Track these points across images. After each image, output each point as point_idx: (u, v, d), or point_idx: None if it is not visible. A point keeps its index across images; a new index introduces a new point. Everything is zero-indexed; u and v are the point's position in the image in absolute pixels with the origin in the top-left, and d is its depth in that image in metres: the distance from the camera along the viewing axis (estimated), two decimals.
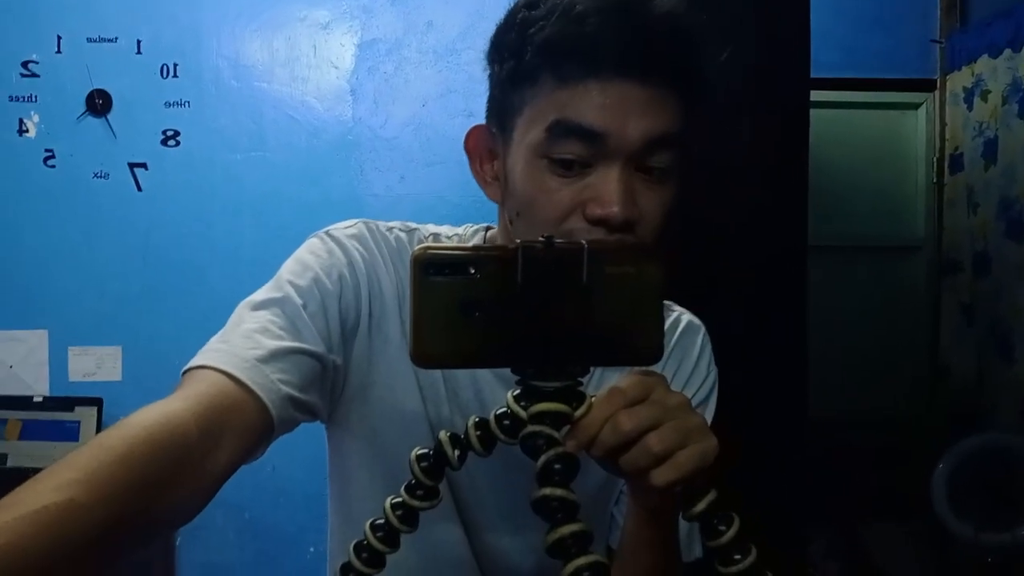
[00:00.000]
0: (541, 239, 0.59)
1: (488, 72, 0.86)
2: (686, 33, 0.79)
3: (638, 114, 0.76)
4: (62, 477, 0.55)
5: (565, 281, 0.59)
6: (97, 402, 2.52)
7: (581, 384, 0.63)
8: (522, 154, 0.80)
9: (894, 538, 2.64)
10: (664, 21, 0.77)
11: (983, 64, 2.80)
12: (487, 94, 0.87)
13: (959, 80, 2.96)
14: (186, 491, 0.64)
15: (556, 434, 0.61)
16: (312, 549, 2.62)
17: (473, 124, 0.90)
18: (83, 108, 2.66)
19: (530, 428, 0.62)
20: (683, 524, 0.81)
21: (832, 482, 2.59)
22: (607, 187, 0.76)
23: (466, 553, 0.92)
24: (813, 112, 2.07)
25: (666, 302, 0.98)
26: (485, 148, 0.87)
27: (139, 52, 2.68)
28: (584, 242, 0.59)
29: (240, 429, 0.70)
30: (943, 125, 3.05)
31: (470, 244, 0.94)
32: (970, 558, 2.38)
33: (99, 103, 2.65)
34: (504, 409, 0.63)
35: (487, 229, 0.95)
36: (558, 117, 0.76)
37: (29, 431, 2.51)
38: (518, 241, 0.59)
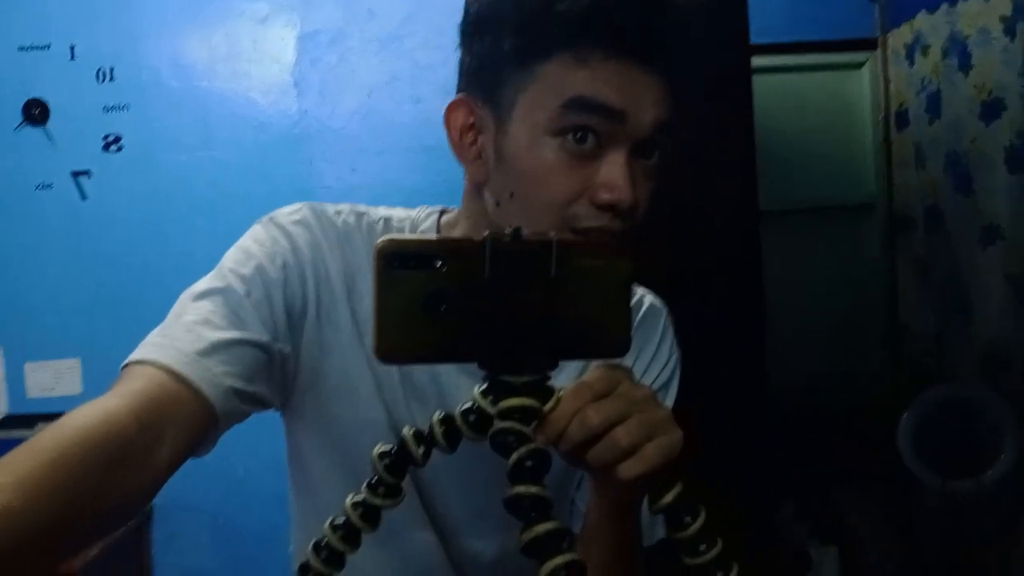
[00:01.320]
0: (508, 230, 0.58)
1: (465, 44, 0.84)
2: (691, 25, 0.80)
3: (652, 99, 0.77)
4: None
5: (533, 274, 0.58)
6: (59, 417, 2.47)
7: (549, 378, 0.63)
8: (525, 132, 0.78)
9: (862, 496, 2.68)
10: (679, 11, 0.78)
11: (922, 20, 2.82)
12: (461, 70, 0.85)
13: (900, 37, 2.98)
14: (125, 489, 0.63)
15: (527, 430, 0.61)
16: (289, 548, 2.59)
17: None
18: (20, 118, 2.59)
19: (499, 425, 0.61)
20: (644, 509, 0.81)
21: (797, 445, 2.62)
22: (617, 173, 0.76)
23: (442, 559, 0.92)
24: (756, 78, 2.07)
25: None
26: (467, 123, 0.84)
27: (73, 58, 2.62)
28: (553, 235, 0.59)
29: (182, 424, 0.69)
30: (887, 83, 3.08)
31: (423, 227, 0.92)
32: (939, 507, 2.42)
33: (36, 112, 2.59)
34: (470, 404, 0.62)
35: (442, 212, 0.94)
36: (578, 93, 0.75)
37: None
38: (485, 233, 0.57)
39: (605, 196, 0.76)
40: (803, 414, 2.76)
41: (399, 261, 0.56)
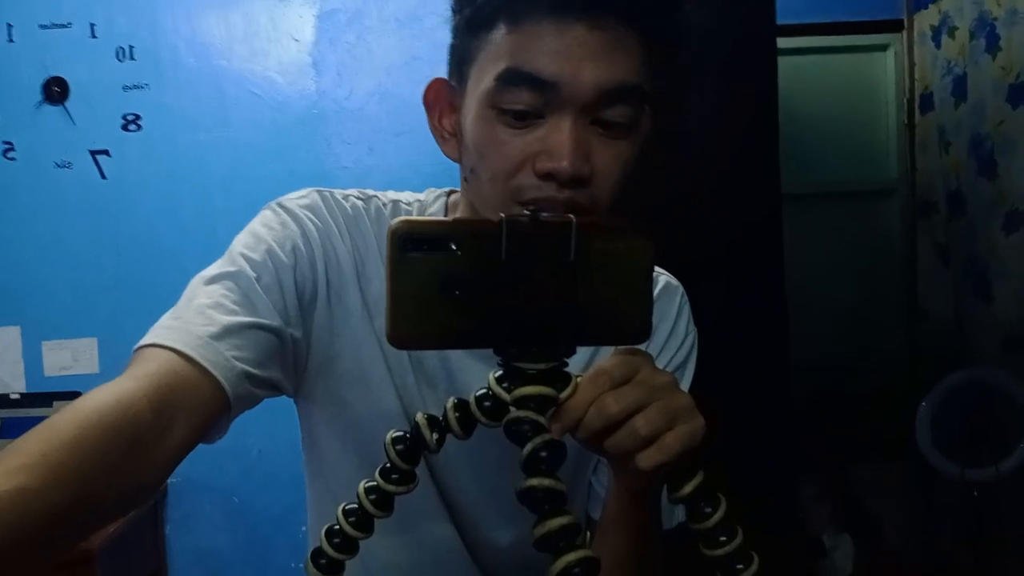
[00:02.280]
0: (527, 212, 0.56)
1: (451, 24, 0.83)
2: None
3: (593, 61, 0.72)
4: (12, 463, 0.54)
5: (551, 257, 0.56)
6: (75, 396, 2.47)
7: (566, 365, 0.61)
8: (473, 105, 0.77)
9: (881, 479, 2.67)
10: None
11: (949, 1, 2.78)
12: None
13: (926, 18, 2.94)
14: (139, 472, 0.63)
15: (542, 420, 0.59)
16: (303, 529, 2.59)
17: None
18: (40, 97, 2.59)
19: (515, 413, 0.59)
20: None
21: (817, 428, 2.61)
22: (557, 139, 0.73)
23: (460, 549, 0.91)
24: (780, 59, 2.05)
25: None
26: (445, 102, 0.84)
27: (93, 36, 2.61)
28: (572, 217, 0.57)
29: (194, 408, 0.69)
30: (912, 65, 3.04)
31: (431, 210, 0.91)
32: (957, 494, 2.41)
33: (56, 91, 2.59)
34: (485, 391, 0.61)
35: (449, 193, 0.93)
36: (509, 64, 0.73)
37: (8, 429, 2.48)
38: (502, 215, 0.56)
39: (545, 164, 0.73)
40: (821, 398, 2.75)
41: (413, 244, 0.55)
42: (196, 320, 0.73)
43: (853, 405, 2.80)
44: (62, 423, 0.59)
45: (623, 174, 0.77)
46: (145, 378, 0.67)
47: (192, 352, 0.70)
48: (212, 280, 0.79)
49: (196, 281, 0.80)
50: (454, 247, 0.55)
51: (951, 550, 2.57)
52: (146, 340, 0.72)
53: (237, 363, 0.73)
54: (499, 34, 0.74)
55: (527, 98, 0.73)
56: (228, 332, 0.73)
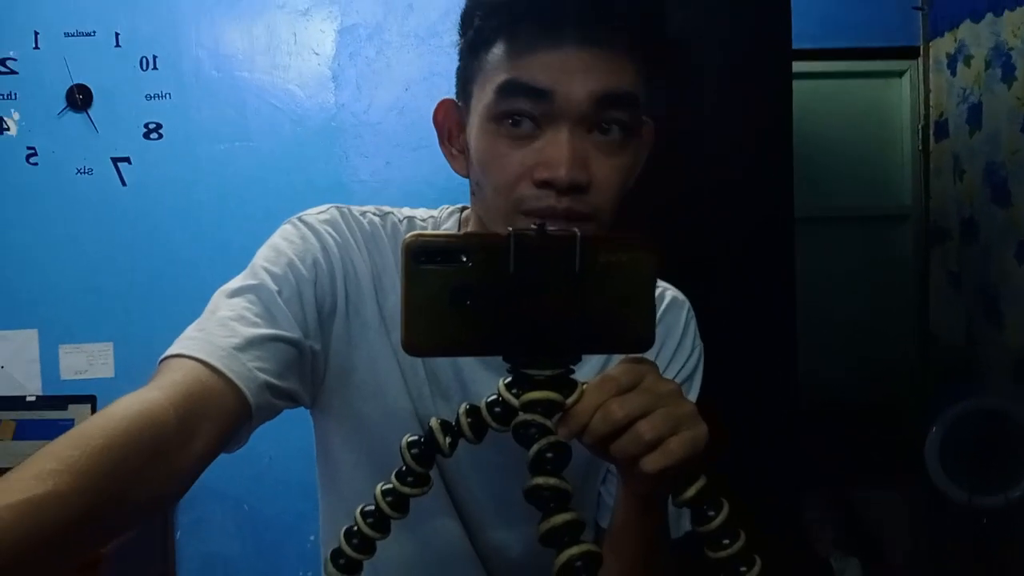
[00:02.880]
0: (534, 226, 0.59)
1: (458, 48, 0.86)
2: None
3: (585, 74, 0.75)
4: (43, 467, 0.55)
5: (557, 269, 0.58)
6: (90, 399, 2.51)
7: (573, 372, 0.63)
8: (476, 121, 0.80)
9: (887, 505, 2.66)
10: None
11: (966, 29, 2.80)
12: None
13: (942, 46, 2.95)
14: (164, 479, 0.65)
15: (548, 423, 0.61)
16: (312, 538, 2.62)
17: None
18: (63, 104, 2.63)
19: (522, 417, 0.61)
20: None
21: (825, 451, 2.60)
22: (554, 150, 0.75)
23: (467, 548, 0.93)
24: (796, 83, 2.06)
25: None
26: (454, 121, 0.87)
27: (118, 45, 2.65)
28: (577, 231, 0.59)
29: (217, 417, 0.70)
30: (927, 92, 3.05)
31: (446, 226, 0.94)
32: (964, 521, 2.40)
33: (80, 98, 2.63)
34: (495, 396, 0.63)
35: (462, 210, 0.95)
36: (506, 77, 0.76)
37: (23, 431, 2.50)
38: (511, 229, 0.58)
39: (543, 174, 0.75)
40: (829, 421, 2.74)
41: (426, 256, 0.57)
42: (219, 332, 0.75)
43: (862, 428, 2.80)
44: (91, 430, 0.60)
45: (622, 182, 0.80)
46: (171, 387, 0.68)
47: (216, 362, 0.72)
48: (235, 293, 0.81)
49: (219, 294, 0.82)
50: (465, 260, 0.57)
51: None
52: (171, 351, 0.74)
53: (259, 374, 0.74)
54: (498, 53, 0.78)
55: (523, 106, 0.76)
56: (251, 344, 0.75)
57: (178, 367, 0.72)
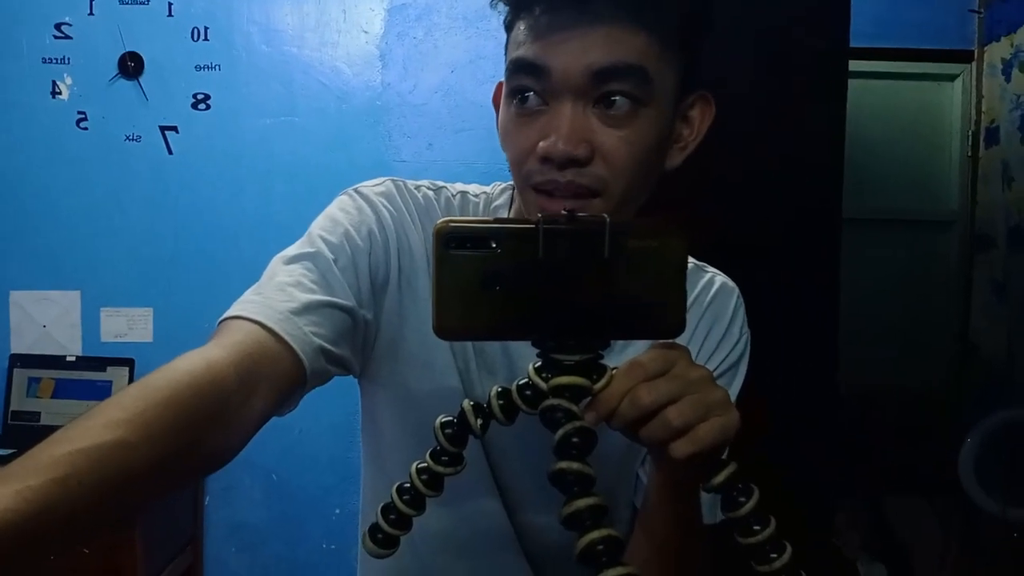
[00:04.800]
0: (563, 213, 0.59)
1: None
2: None
3: (583, 45, 0.75)
4: (112, 416, 0.56)
5: (586, 255, 0.59)
6: (128, 362, 2.56)
7: (602, 357, 0.63)
8: (502, 99, 0.82)
9: (919, 512, 2.63)
10: None
11: (1023, 35, 2.74)
12: None
13: (997, 51, 2.90)
14: (224, 435, 0.66)
15: (575, 408, 0.62)
16: (337, 511, 2.65)
17: None
18: (115, 71, 2.67)
19: (549, 401, 0.62)
20: None
21: (859, 455, 2.58)
22: (553, 123, 0.76)
23: (507, 527, 0.93)
24: (849, 82, 2.04)
25: (700, 264, 0.98)
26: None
27: (170, 15, 2.68)
28: (605, 216, 0.59)
29: (275, 378, 0.72)
30: (979, 97, 3.00)
31: (497, 203, 0.94)
32: (996, 534, 2.37)
33: (131, 66, 2.66)
34: (526, 380, 0.64)
35: (514, 188, 0.95)
36: (514, 55, 0.78)
37: (62, 390, 2.56)
38: (539, 215, 0.59)
39: (542, 147, 0.76)
40: (864, 424, 2.72)
41: (456, 242, 0.58)
42: (277, 296, 0.76)
43: (896, 434, 2.77)
44: (158, 382, 0.61)
45: (633, 156, 0.78)
46: (232, 347, 0.70)
47: (274, 325, 0.73)
48: (292, 260, 0.82)
49: (276, 260, 0.83)
50: (494, 245, 0.58)
51: None
52: (231, 312, 0.75)
53: (315, 339, 0.75)
54: (518, 33, 0.79)
55: (527, 83, 0.78)
56: (307, 309, 0.76)
57: (238, 328, 0.73)
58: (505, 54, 0.83)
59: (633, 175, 0.79)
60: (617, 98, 0.76)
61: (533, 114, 0.78)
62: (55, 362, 2.59)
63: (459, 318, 0.59)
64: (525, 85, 0.78)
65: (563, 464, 0.60)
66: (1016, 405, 2.47)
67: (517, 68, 0.78)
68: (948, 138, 3.09)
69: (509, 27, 0.81)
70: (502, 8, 0.82)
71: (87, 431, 0.55)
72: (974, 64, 3.01)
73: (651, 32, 0.76)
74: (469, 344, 0.89)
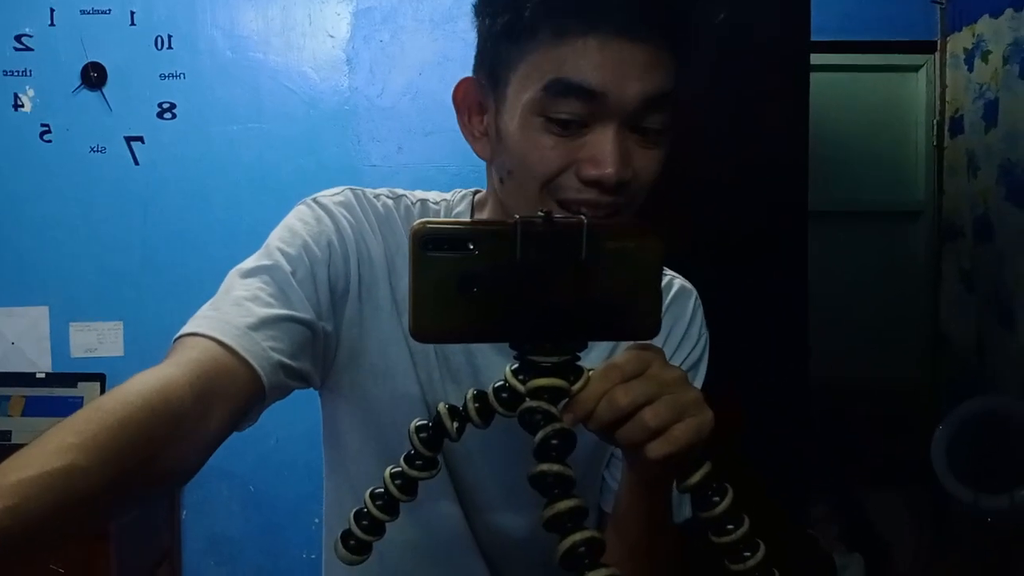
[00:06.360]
0: (540, 214, 0.59)
1: (476, 24, 0.85)
2: None
3: (636, 74, 0.75)
4: (62, 441, 0.56)
5: (564, 256, 0.59)
6: (100, 377, 2.53)
7: (579, 359, 0.63)
8: (517, 111, 0.79)
9: (893, 503, 2.66)
10: None
11: (984, 24, 2.78)
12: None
13: (960, 41, 2.93)
14: (180, 455, 0.66)
15: (554, 410, 0.62)
16: (316, 520, 2.64)
17: None
18: (78, 81, 2.64)
19: (528, 403, 0.62)
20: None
21: (832, 448, 2.61)
22: (603, 148, 0.76)
23: (464, 530, 0.93)
24: (812, 75, 2.05)
25: None
26: (475, 101, 0.86)
27: (133, 24, 2.65)
28: (584, 218, 0.59)
29: (232, 395, 0.71)
30: (943, 87, 3.03)
31: (457, 210, 0.94)
32: (970, 521, 2.40)
33: (94, 76, 2.63)
34: (502, 383, 0.64)
35: (475, 193, 0.95)
36: (556, 75, 0.75)
37: (32, 407, 2.52)
38: (517, 216, 0.58)
39: (591, 172, 0.76)
40: (837, 417, 2.74)
41: (433, 244, 0.58)
42: (234, 311, 0.76)
43: (868, 426, 2.80)
44: (110, 404, 0.61)
45: (657, 173, 0.80)
46: (187, 364, 0.69)
47: (231, 342, 0.72)
48: (249, 273, 0.81)
49: (233, 274, 0.82)
50: (472, 247, 0.58)
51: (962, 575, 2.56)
52: (186, 329, 0.75)
53: (273, 354, 0.75)
54: (543, 45, 0.76)
55: (574, 107, 0.76)
56: (264, 324, 0.76)
57: (193, 345, 0.72)
58: (500, 58, 0.80)
59: (651, 188, 0.81)
60: (655, 125, 0.78)
61: (571, 135, 0.77)
62: (25, 379, 2.55)
63: (436, 320, 0.59)
64: (571, 107, 0.76)
65: (544, 467, 0.60)
66: (986, 393, 2.50)
67: (562, 89, 0.75)
68: (913, 129, 3.12)
69: (521, 32, 0.78)
70: (514, 9, 0.78)
71: (37, 457, 0.54)
72: (937, 54, 3.04)
73: (675, 53, 0.78)
74: (432, 353, 0.89)
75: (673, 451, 0.63)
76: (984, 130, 2.76)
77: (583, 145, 0.77)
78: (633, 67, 0.75)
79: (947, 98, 3.02)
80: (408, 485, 0.66)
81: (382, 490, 0.66)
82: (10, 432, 2.50)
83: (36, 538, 0.52)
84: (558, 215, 0.59)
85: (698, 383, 0.97)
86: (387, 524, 0.66)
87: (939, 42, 3.04)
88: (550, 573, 0.60)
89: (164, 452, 0.63)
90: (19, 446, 0.56)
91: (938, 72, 3.04)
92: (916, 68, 3.09)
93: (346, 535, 0.66)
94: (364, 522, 0.66)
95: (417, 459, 0.65)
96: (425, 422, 0.66)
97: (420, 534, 0.93)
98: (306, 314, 0.80)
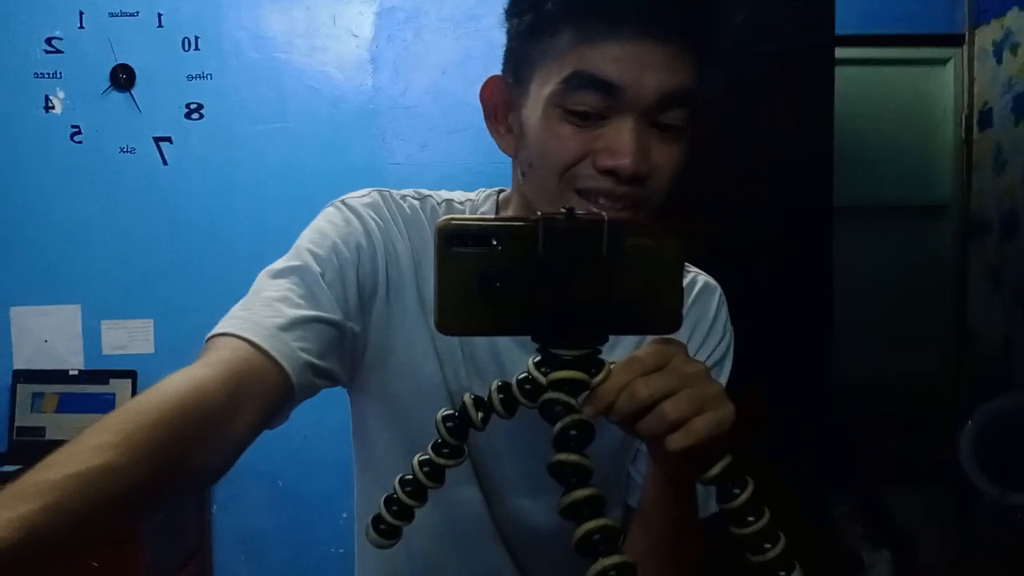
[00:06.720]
0: (562, 211, 0.60)
1: (506, 26, 0.86)
2: None
3: (655, 70, 0.77)
4: (99, 440, 0.58)
5: (585, 253, 0.60)
6: (131, 374, 2.57)
7: (600, 352, 0.65)
8: (539, 105, 0.81)
9: (917, 502, 2.64)
10: None
11: (1013, 17, 2.74)
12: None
13: (988, 34, 2.90)
14: (212, 454, 0.67)
15: (573, 401, 0.63)
16: (344, 515, 2.67)
17: None
18: (107, 83, 2.68)
19: (548, 395, 0.64)
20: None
21: (857, 446, 2.59)
22: (620, 138, 0.77)
23: (485, 515, 0.95)
24: (838, 70, 2.04)
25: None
26: (501, 99, 0.88)
27: (160, 25, 2.69)
28: (604, 215, 0.60)
29: (262, 395, 0.73)
30: (971, 81, 3.00)
31: (482, 209, 0.96)
32: (996, 518, 2.38)
33: (123, 78, 2.67)
34: (525, 374, 0.65)
35: (499, 192, 0.97)
36: (576, 68, 0.77)
37: (66, 404, 2.57)
38: (539, 213, 0.60)
39: (607, 161, 0.77)
40: (863, 413, 2.72)
41: (458, 240, 0.59)
42: (264, 312, 0.77)
43: (893, 423, 2.78)
44: (145, 404, 0.63)
45: (677, 171, 0.81)
46: (218, 365, 0.71)
47: (262, 342, 0.74)
48: (279, 274, 0.83)
49: (263, 274, 0.84)
50: (495, 243, 0.59)
51: (989, 572, 2.54)
52: (218, 329, 0.76)
53: (302, 354, 0.77)
54: (564, 41, 0.78)
55: (592, 100, 0.78)
56: (294, 324, 0.77)
57: (224, 345, 0.74)
58: (524, 56, 0.82)
59: (671, 186, 0.82)
60: (673, 121, 0.79)
61: (590, 126, 0.79)
62: (58, 377, 2.61)
63: (460, 314, 0.60)
64: (589, 100, 0.78)
65: (562, 456, 0.61)
66: (1014, 390, 2.48)
67: (581, 82, 0.77)
68: (940, 123, 3.08)
69: (544, 30, 0.80)
70: (537, 7, 0.80)
71: (75, 456, 0.56)
72: (965, 48, 3.01)
73: (699, 53, 0.79)
74: (458, 351, 0.90)
75: (693, 443, 0.63)
76: (1013, 123, 2.73)
77: (600, 136, 0.78)
78: (652, 63, 0.77)
79: (975, 92, 2.98)
80: (435, 472, 0.68)
81: (411, 477, 0.68)
82: (44, 428, 2.55)
83: (76, 535, 0.53)
84: (580, 212, 0.60)
85: (723, 379, 0.97)
86: (415, 511, 0.68)
87: (967, 35, 3.00)
88: (571, 564, 0.61)
89: (197, 451, 0.65)
90: (53, 442, 0.58)
91: (966, 65, 3.01)
92: (944, 62, 3.06)
93: (376, 520, 0.68)
94: (394, 507, 0.68)
95: (444, 447, 0.67)
96: (452, 411, 0.68)
97: (445, 524, 0.94)
98: (334, 315, 0.82)
